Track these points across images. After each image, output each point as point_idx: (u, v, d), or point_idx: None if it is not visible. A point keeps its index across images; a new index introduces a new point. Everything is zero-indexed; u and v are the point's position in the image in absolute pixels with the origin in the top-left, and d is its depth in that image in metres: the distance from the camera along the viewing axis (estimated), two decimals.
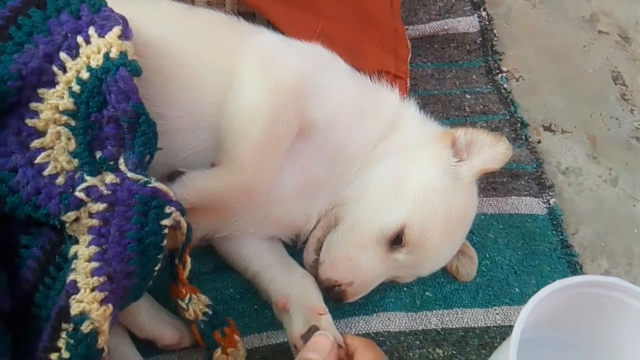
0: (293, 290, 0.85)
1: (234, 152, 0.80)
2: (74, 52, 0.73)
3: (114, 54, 0.71)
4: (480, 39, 1.27)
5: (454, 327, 0.93)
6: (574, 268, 1.03)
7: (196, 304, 0.80)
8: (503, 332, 0.94)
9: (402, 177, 0.87)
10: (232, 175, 0.79)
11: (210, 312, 0.81)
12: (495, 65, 1.26)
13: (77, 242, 0.71)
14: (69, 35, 0.74)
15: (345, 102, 0.87)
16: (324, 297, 0.87)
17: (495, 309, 0.96)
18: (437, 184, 0.86)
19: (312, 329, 0.81)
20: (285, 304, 0.85)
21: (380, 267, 0.86)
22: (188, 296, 0.79)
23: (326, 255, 0.87)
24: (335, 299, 0.86)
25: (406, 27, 1.20)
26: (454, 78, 1.23)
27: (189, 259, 0.76)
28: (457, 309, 0.95)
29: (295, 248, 0.94)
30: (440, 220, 0.85)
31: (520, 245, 1.04)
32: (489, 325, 0.95)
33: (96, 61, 0.72)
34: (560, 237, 1.06)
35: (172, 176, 0.80)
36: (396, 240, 0.85)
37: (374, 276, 0.86)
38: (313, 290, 0.86)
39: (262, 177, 0.80)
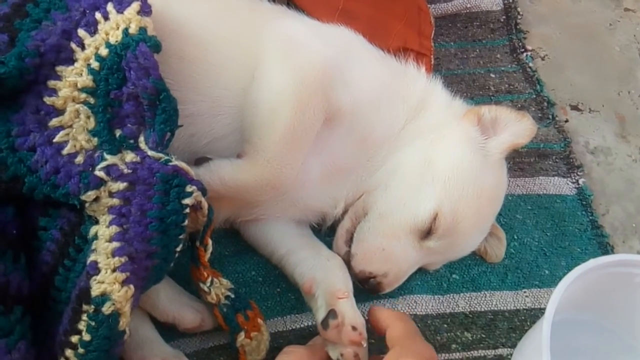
0: (318, 274, 0.83)
1: (260, 145, 0.78)
2: (93, 29, 0.72)
3: (133, 29, 0.70)
4: (504, 17, 1.25)
5: (482, 310, 0.91)
6: (605, 249, 1.01)
7: (218, 288, 0.78)
8: (533, 315, 0.92)
9: (430, 159, 0.85)
10: (259, 168, 0.78)
11: (233, 296, 0.79)
12: (520, 43, 1.24)
13: (97, 222, 0.70)
14: (87, 11, 0.72)
15: (371, 86, 0.85)
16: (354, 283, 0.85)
17: (525, 292, 0.94)
18: (467, 164, 0.84)
19: (330, 314, 0.78)
20: (311, 288, 0.83)
21: (414, 256, 0.84)
22: (210, 279, 0.77)
23: (358, 247, 0.85)
24: (370, 290, 0.84)
25: (429, 5, 1.18)
26: (478, 57, 1.21)
27: (210, 242, 0.75)
28: (486, 292, 0.93)
29: (319, 232, 0.92)
30: (472, 201, 0.83)
31: (550, 227, 1.02)
32: (518, 308, 0.92)
33: (115, 37, 0.70)
34: (590, 217, 1.04)
35: (199, 161, 0.79)
36: (429, 229, 0.83)
37: (408, 266, 0.85)
38: (338, 273, 0.83)
39: (289, 169, 0.79)
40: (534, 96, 1.16)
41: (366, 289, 0.84)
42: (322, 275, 0.83)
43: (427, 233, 0.83)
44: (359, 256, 0.84)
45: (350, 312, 0.79)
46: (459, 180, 0.83)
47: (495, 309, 0.92)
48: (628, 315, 0.86)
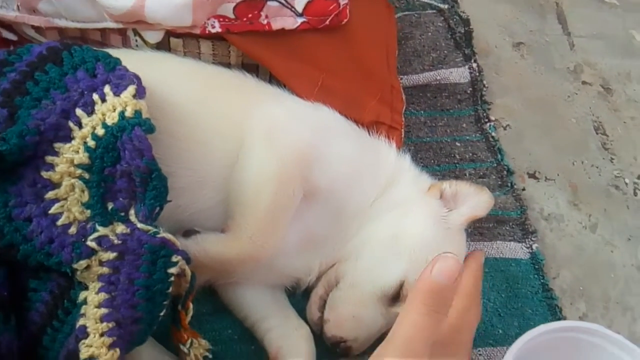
0: (284, 344, 0.90)
1: (243, 223, 0.84)
2: (90, 109, 0.76)
3: (129, 112, 0.75)
4: (471, 89, 1.33)
5: None
6: (553, 311, 1.08)
7: (197, 349, 0.83)
8: None
9: (397, 232, 0.92)
10: (242, 244, 0.84)
11: (210, 356, 0.84)
12: (484, 114, 1.31)
13: (86, 288, 0.74)
14: (85, 92, 0.77)
15: (347, 165, 0.92)
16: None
17: (479, 350, 1.01)
18: (430, 236, 0.92)
19: None
20: (276, 357, 0.89)
21: (382, 322, 0.90)
22: (189, 341, 0.82)
23: (330, 313, 0.91)
24: (342, 354, 0.90)
25: (401, 77, 1.25)
26: (445, 126, 1.28)
27: (191, 306, 0.79)
28: None
29: (294, 295, 0.98)
30: None
31: (504, 289, 1.09)
32: None
33: (112, 119, 0.75)
34: (542, 281, 1.11)
35: (187, 233, 0.85)
36: (395, 296, 0.90)
37: (376, 331, 0.91)
38: (303, 345, 0.90)
39: (270, 245, 0.85)
40: (495, 165, 1.24)
41: (337, 352, 0.90)
42: (288, 346, 0.89)
43: (393, 300, 0.90)
44: (331, 322, 0.90)
45: None
46: (423, 252, 0.90)
47: None
48: None
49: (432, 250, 0.90)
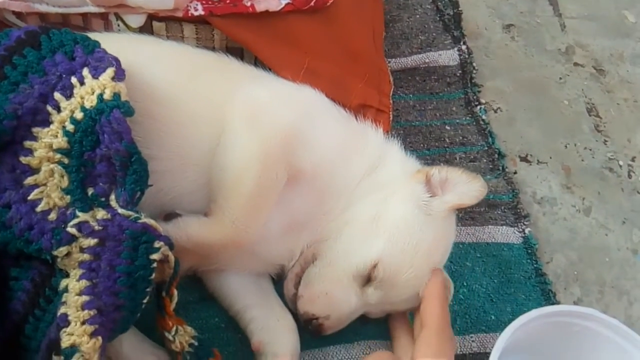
0: (266, 335, 0.89)
1: (226, 207, 0.83)
2: (68, 93, 0.75)
3: (107, 95, 0.74)
4: (460, 71, 1.31)
5: None
6: (547, 296, 1.07)
7: (182, 336, 0.81)
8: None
9: (378, 215, 0.90)
10: (224, 228, 0.83)
11: (196, 344, 0.82)
12: (474, 97, 1.30)
13: (67, 275, 0.73)
14: (64, 75, 0.76)
15: (331, 148, 0.90)
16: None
17: (472, 337, 1.00)
18: (408, 220, 0.89)
19: None
20: (258, 349, 0.88)
21: (356, 302, 0.89)
22: (174, 328, 0.80)
23: (304, 289, 0.90)
24: (313, 331, 0.89)
25: (389, 60, 1.24)
26: (435, 109, 1.26)
27: (175, 292, 0.78)
28: None
29: (279, 282, 0.97)
30: (407, 257, 0.88)
31: (497, 274, 1.08)
32: (465, 352, 0.98)
33: (90, 102, 0.74)
34: (535, 265, 1.10)
35: (168, 217, 0.84)
36: (369, 277, 0.88)
37: (349, 311, 0.89)
38: (286, 335, 0.89)
39: (253, 230, 0.84)
40: (486, 148, 1.23)
41: (309, 329, 0.89)
42: (269, 338, 0.88)
43: (367, 280, 0.88)
44: (304, 298, 0.89)
45: None
46: (400, 236, 0.88)
47: None
48: None
49: (410, 235, 0.89)
